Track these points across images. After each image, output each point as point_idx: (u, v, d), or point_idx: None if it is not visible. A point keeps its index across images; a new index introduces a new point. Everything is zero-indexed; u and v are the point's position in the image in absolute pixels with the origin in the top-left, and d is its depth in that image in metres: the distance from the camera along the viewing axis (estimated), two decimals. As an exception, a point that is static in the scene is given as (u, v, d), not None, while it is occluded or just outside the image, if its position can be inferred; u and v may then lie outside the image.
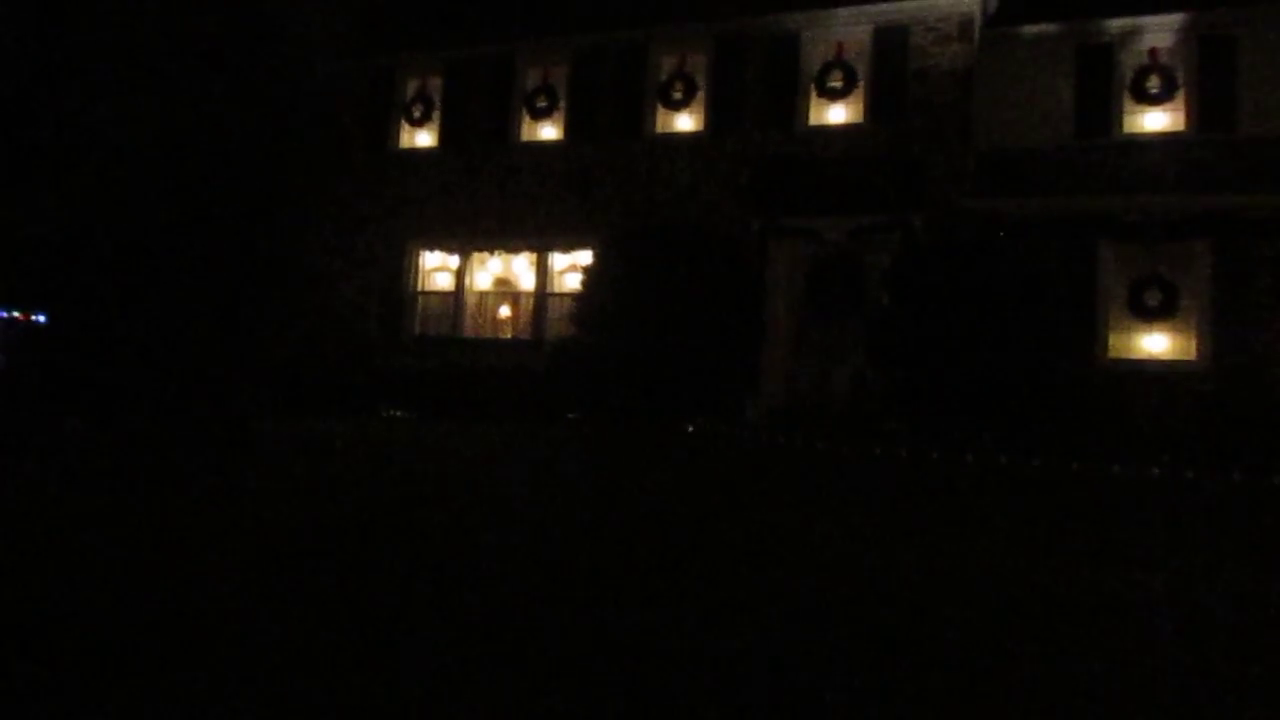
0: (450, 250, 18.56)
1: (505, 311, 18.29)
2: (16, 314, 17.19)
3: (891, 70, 15.59)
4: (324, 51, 19.90)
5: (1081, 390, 13.56)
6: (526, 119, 18.09)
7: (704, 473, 10.79)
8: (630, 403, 14.40)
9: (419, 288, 18.81)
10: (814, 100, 16.09)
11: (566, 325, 16.38)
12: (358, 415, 15.27)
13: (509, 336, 18.04)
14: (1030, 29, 15.45)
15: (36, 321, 17.39)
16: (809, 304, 15.56)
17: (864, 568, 6.09)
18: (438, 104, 18.77)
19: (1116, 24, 15.06)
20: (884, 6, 15.69)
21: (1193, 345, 13.91)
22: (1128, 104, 14.91)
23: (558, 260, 17.73)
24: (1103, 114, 14.99)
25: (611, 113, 17.37)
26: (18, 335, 16.40)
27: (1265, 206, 13.53)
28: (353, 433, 13.01)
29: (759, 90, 16.42)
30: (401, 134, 19.12)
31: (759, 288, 15.44)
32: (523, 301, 18.08)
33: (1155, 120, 14.85)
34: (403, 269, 18.71)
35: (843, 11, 15.96)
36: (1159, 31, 14.88)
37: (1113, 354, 14.19)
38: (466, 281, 18.35)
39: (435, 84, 18.88)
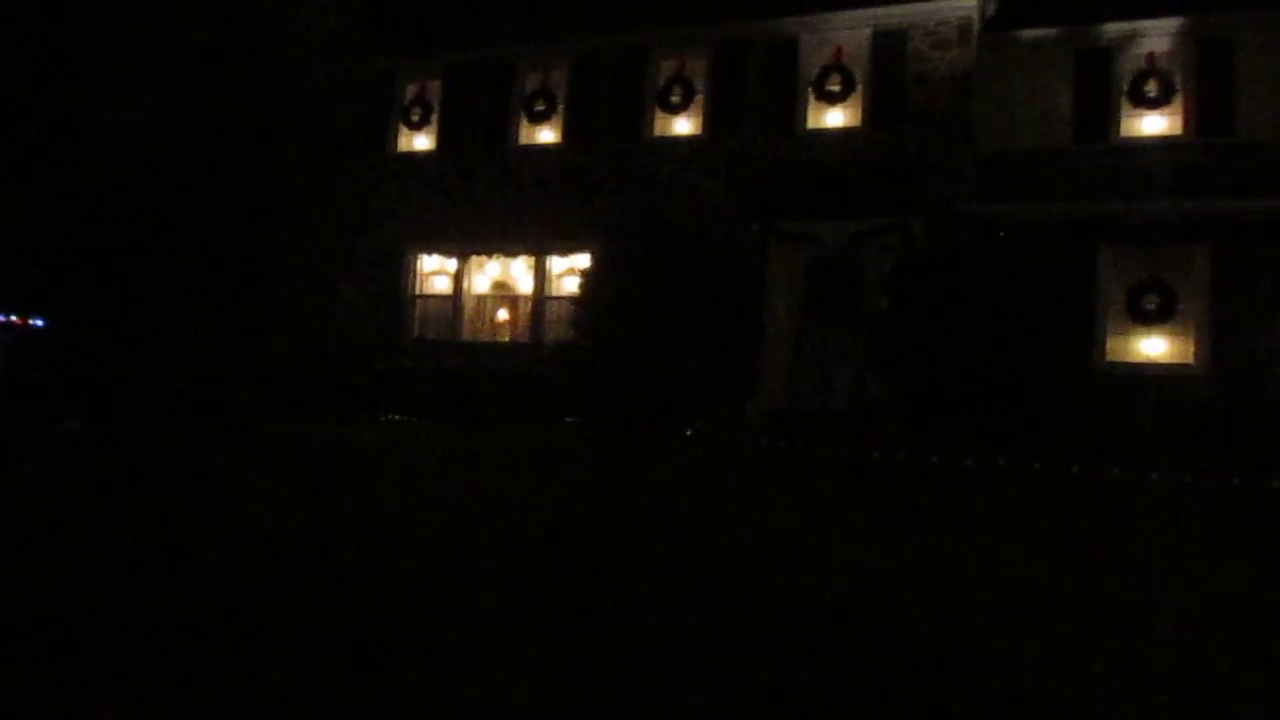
0: (449, 253, 18.54)
1: (504, 315, 18.27)
2: (14, 318, 17.16)
3: (890, 74, 15.59)
4: (323, 53, 19.89)
5: (1080, 394, 13.56)
6: (525, 122, 18.08)
7: (704, 476, 10.79)
8: (629, 406, 14.39)
9: (418, 291, 18.80)
10: (813, 104, 16.07)
11: (565, 329, 16.37)
12: (357, 417, 15.27)
13: (508, 340, 18.03)
14: (1029, 33, 15.47)
15: (34, 326, 17.36)
16: (808, 307, 15.55)
17: (864, 569, 6.10)
18: (437, 107, 18.75)
19: (1114, 28, 15.06)
20: (882, 10, 15.67)
21: (1191, 349, 13.91)
22: (1126, 108, 14.92)
23: (556, 264, 17.72)
24: (1101, 118, 15.00)
25: (610, 116, 17.36)
26: (15, 339, 16.37)
27: (1263, 211, 13.53)
28: (352, 434, 13.01)
29: (758, 94, 16.42)
30: (400, 137, 19.09)
31: (758, 291, 15.43)
32: (521, 305, 18.07)
33: (1153, 124, 14.87)
34: (401, 272, 18.69)
35: (841, 15, 15.94)
36: (1157, 36, 14.89)
37: (1111, 358, 14.19)
38: (465, 285, 18.34)
39: (434, 87, 18.86)
